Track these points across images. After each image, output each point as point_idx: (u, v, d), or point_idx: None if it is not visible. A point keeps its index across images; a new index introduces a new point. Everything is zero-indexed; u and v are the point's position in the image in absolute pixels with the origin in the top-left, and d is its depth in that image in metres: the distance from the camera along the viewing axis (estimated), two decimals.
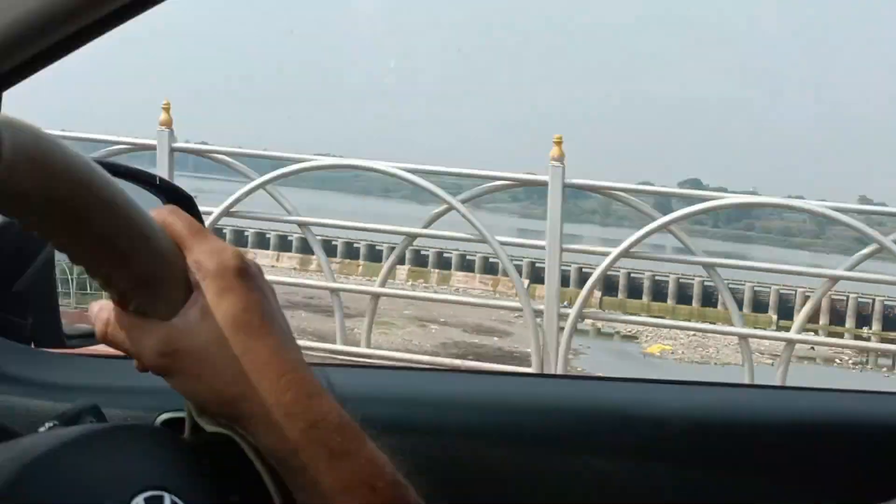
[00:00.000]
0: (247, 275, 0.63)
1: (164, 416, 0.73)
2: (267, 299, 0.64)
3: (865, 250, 4.86)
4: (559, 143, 4.95)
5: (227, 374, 0.61)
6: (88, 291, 0.71)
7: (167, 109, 5.17)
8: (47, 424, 0.69)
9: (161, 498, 0.59)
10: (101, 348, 0.85)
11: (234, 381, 0.61)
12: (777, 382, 4.12)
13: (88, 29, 0.75)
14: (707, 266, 5.20)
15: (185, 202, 0.81)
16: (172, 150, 5.17)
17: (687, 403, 0.89)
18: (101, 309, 0.64)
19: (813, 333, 7.27)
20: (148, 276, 0.62)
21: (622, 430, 0.85)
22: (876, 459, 0.82)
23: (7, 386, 0.84)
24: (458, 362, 5.71)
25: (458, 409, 0.88)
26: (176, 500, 0.59)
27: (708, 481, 0.82)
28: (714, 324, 7.25)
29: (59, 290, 0.84)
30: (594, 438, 0.84)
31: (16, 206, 0.56)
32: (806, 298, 5.75)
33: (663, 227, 4.98)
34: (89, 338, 0.74)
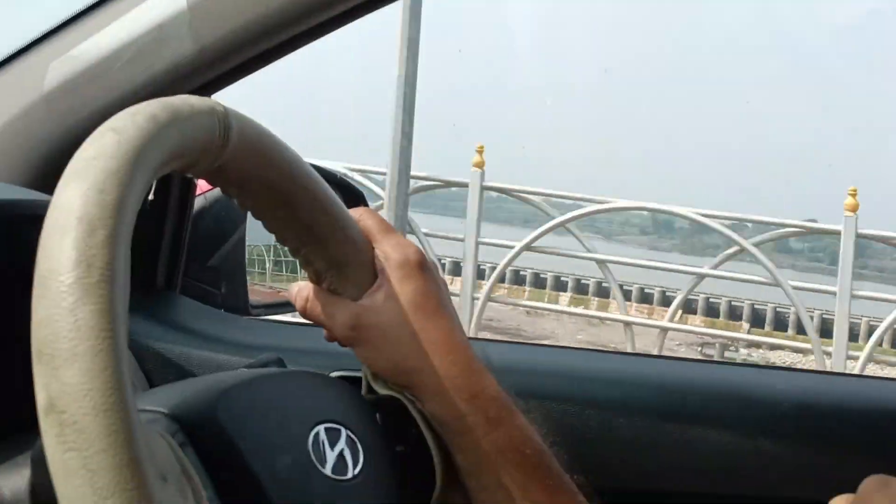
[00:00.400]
0: (426, 267, 0.72)
1: (338, 372, 0.83)
2: (440, 289, 0.73)
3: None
4: (481, 152, 5.99)
5: (404, 349, 0.71)
6: (282, 273, 0.82)
7: (480, 153, 6.07)
8: (240, 370, 0.80)
9: (339, 431, 0.68)
10: (280, 317, 1.00)
11: (410, 355, 0.71)
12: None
13: (289, 42, 0.89)
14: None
15: (358, 197, 0.93)
16: (483, 189, 6.10)
17: (792, 386, 0.99)
18: (301, 288, 0.74)
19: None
20: (341, 260, 0.72)
21: (735, 410, 0.94)
22: None
23: (201, 341, 0.96)
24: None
25: (594, 384, 0.98)
26: (352, 435, 0.69)
27: (815, 460, 0.92)
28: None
29: (254, 269, 0.98)
30: (709, 416, 0.94)
31: (237, 187, 0.65)
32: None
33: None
34: (276, 307, 0.86)
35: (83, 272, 0.47)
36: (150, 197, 0.96)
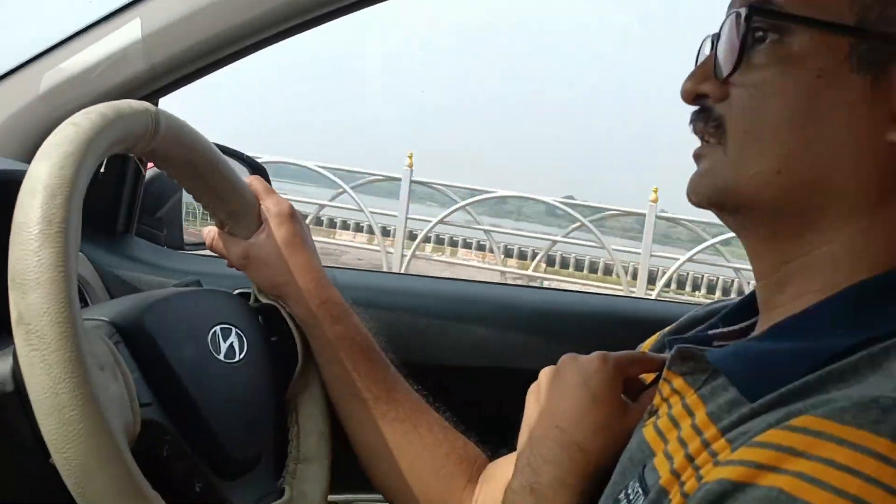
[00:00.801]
0: (295, 217, 0.96)
1: (238, 290, 1.00)
2: (304, 232, 0.97)
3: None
4: (410, 157, 8.31)
5: (278, 271, 0.94)
6: (208, 221, 1.00)
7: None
8: (167, 288, 0.98)
9: (230, 329, 0.87)
10: (204, 252, 1.28)
11: (281, 275, 0.94)
12: None
13: (231, 56, 1.11)
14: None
15: (261, 170, 1.19)
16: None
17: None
18: (209, 230, 0.97)
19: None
20: (238, 212, 0.94)
21: (495, 312, 1.27)
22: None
23: (150, 269, 1.21)
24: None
25: (405, 297, 1.28)
26: (240, 332, 0.87)
27: (542, 346, 1.23)
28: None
29: (190, 218, 1.28)
30: (479, 316, 1.26)
31: (165, 163, 0.83)
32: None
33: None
34: (200, 245, 1.08)
35: (45, 225, 0.59)
36: (102, 170, 1.11)
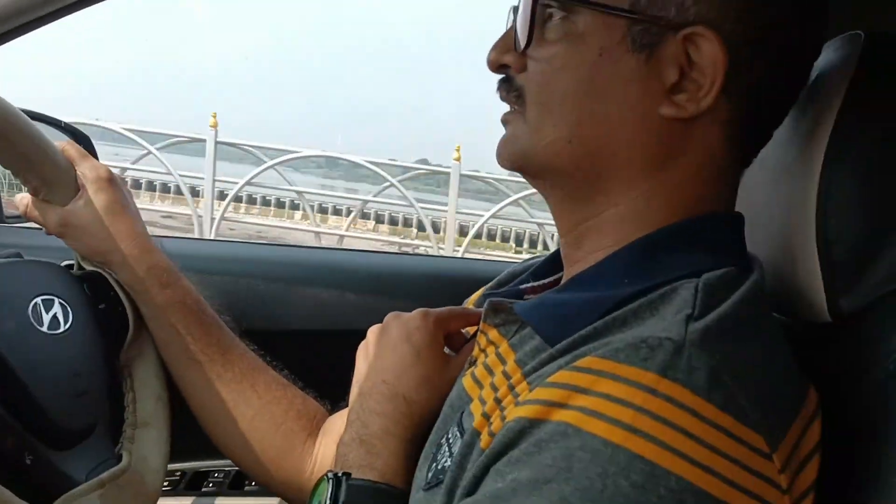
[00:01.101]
0: (114, 181, 0.94)
1: (66, 262, 0.97)
2: (125, 196, 0.95)
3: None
4: (214, 116, 7.95)
5: (99, 238, 0.92)
6: (22, 190, 0.97)
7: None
8: None
9: (52, 300, 0.86)
10: (28, 224, 1.23)
11: (104, 242, 0.93)
12: None
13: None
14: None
15: (83, 139, 1.14)
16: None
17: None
18: (23, 198, 0.95)
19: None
20: (50, 178, 0.91)
21: (334, 275, 1.32)
22: None
23: None
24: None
25: (246, 264, 1.32)
26: (63, 302, 0.86)
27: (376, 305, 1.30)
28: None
29: (7, 190, 1.21)
30: (320, 279, 1.31)
31: None
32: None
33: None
34: (19, 217, 1.02)
35: None
36: None
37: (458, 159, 8.06)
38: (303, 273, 1.31)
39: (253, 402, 0.96)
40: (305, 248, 1.68)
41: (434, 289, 1.29)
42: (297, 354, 1.03)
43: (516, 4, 0.72)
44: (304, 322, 1.27)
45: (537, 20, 0.67)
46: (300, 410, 0.99)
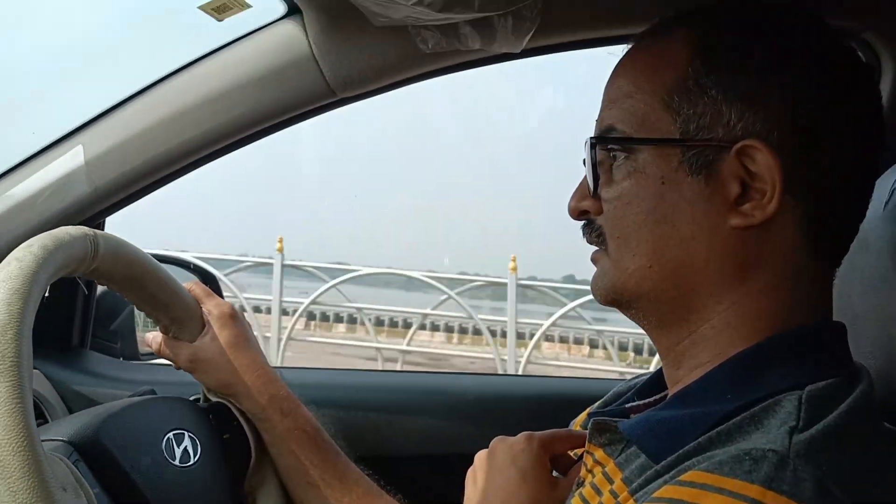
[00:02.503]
0: (236, 317, 1.01)
1: (193, 397, 1.04)
2: (247, 331, 1.02)
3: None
4: (280, 241, 8.10)
5: (225, 372, 0.98)
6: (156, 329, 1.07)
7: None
8: (122, 400, 0.99)
9: (183, 433, 0.90)
10: (159, 361, 1.31)
11: (229, 375, 0.98)
12: None
13: (169, 176, 1.15)
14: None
15: (210, 278, 1.25)
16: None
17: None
18: (155, 336, 1.01)
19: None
20: (180, 317, 0.97)
21: (439, 400, 1.31)
22: None
23: (106, 381, 1.24)
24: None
25: (352, 390, 1.34)
26: (192, 435, 0.91)
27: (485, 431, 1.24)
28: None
29: (147, 326, 1.30)
30: (424, 406, 1.30)
31: (108, 280, 0.88)
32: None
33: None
34: (154, 354, 1.08)
35: None
36: (47, 294, 1.11)
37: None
38: (412, 399, 1.33)
39: None
40: (413, 373, 1.67)
41: (540, 411, 1.29)
42: (409, 479, 1.05)
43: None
44: (414, 447, 1.28)
45: (602, 165, 0.72)
46: None
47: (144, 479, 0.81)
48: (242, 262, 8.66)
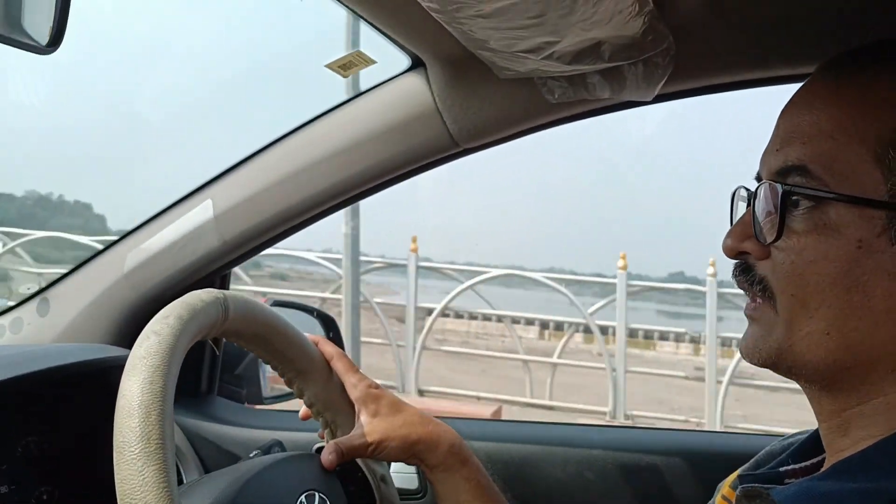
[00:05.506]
0: (376, 385, 0.97)
1: (317, 445, 0.97)
2: (394, 396, 0.97)
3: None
4: (415, 241, 7.58)
5: (406, 438, 0.93)
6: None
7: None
8: (253, 452, 1.02)
9: (314, 495, 0.87)
10: (281, 406, 1.31)
11: (411, 436, 0.93)
12: None
13: (294, 228, 1.16)
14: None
15: (331, 324, 1.23)
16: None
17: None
18: (328, 452, 0.91)
19: None
20: (304, 369, 0.94)
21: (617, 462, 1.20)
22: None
23: (231, 427, 1.24)
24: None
25: (518, 442, 1.26)
26: (322, 495, 0.87)
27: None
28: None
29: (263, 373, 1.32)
30: (592, 464, 1.21)
31: (237, 337, 0.86)
32: None
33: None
34: (279, 398, 1.11)
35: (145, 444, 0.61)
36: None
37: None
38: (539, 451, 1.25)
39: None
40: (539, 423, 1.58)
41: (680, 468, 1.18)
42: None
43: (748, 189, 0.68)
44: (543, 501, 1.22)
45: (787, 215, 0.62)
46: None
47: None
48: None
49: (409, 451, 0.95)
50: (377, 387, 0.98)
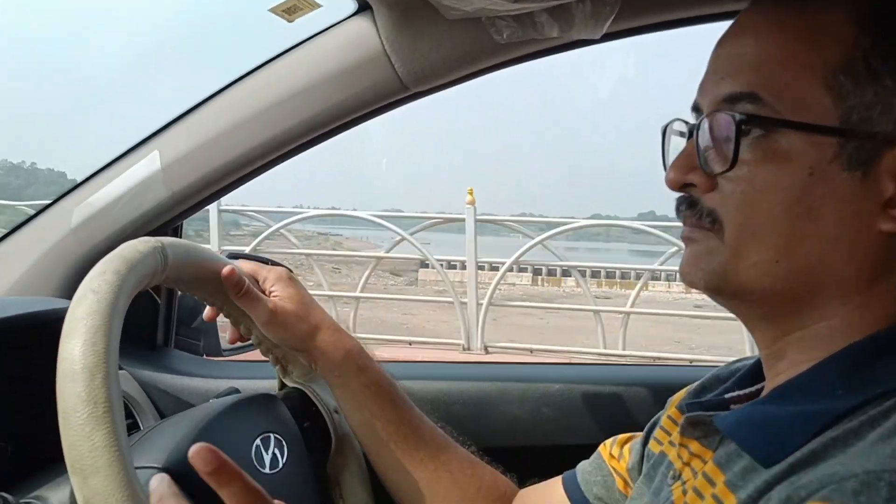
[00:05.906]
0: (294, 279, 0.95)
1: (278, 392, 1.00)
2: (307, 292, 0.95)
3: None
4: (471, 193, 6.46)
5: (302, 326, 0.91)
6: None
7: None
8: (211, 400, 0.97)
9: (269, 437, 0.86)
10: (241, 357, 1.30)
11: (306, 328, 0.91)
12: None
13: (245, 177, 1.14)
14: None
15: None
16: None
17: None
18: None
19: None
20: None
21: (525, 392, 1.26)
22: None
23: (188, 378, 1.23)
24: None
25: (435, 383, 1.28)
26: (278, 436, 0.87)
27: (571, 420, 1.20)
28: None
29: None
30: (510, 395, 1.26)
31: (177, 284, 0.85)
32: None
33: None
34: (236, 350, 1.10)
35: (92, 408, 0.58)
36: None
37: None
38: (497, 390, 1.28)
39: (444, 480, 0.94)
40: (498, 364, 1.61)
41: (628, 398, 1.22)
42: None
43: (686, 122, 0.67)
44: (500, 439, 1.23)
45: (728, 139, 0.61)
46: (491, 486, 0.95)
47: None
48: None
49: (301, 344, 0.93)
50: (293, 278, 0.96)
